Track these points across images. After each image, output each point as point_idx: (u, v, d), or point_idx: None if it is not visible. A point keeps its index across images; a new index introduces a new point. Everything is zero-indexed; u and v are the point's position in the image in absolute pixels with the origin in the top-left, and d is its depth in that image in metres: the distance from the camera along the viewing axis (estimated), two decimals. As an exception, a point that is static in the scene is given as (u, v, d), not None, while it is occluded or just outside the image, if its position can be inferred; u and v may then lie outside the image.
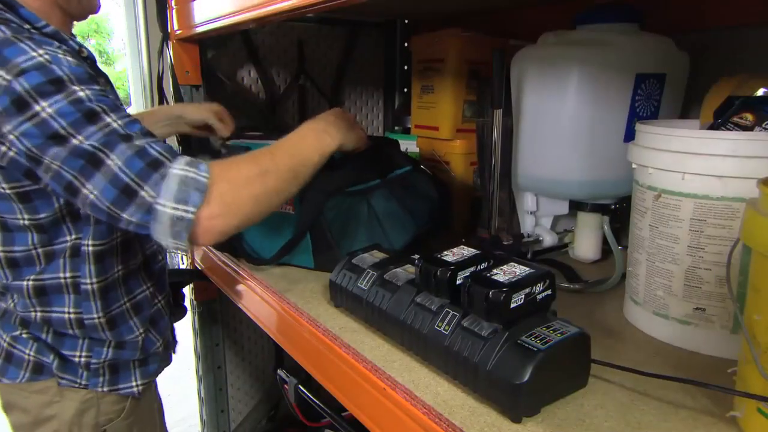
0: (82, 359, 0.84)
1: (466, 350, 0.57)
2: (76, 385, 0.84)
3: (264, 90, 1.40)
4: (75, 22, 0.85)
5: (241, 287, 1.01)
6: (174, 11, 1.20)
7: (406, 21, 1.50)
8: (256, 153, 0.73)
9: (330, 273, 0.81)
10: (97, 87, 0.67)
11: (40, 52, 0.65)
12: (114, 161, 0.63)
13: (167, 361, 0.97)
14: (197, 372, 1.53)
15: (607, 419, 0.54)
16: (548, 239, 0.99)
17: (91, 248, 0.79)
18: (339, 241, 0.90)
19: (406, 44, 1.49)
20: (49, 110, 0.62)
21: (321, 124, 0.81)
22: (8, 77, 0.62)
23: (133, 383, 0.89)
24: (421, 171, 0.97)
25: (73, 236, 0.78)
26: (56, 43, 0.69)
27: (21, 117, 0.62)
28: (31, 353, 0.83)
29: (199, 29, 1.10)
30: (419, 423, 0.55)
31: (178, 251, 0.69)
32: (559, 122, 0.87)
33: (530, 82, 0.90)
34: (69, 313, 0.81)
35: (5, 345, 0.83)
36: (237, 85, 1.37)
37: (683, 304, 0.66)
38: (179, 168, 0.64)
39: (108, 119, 0.64)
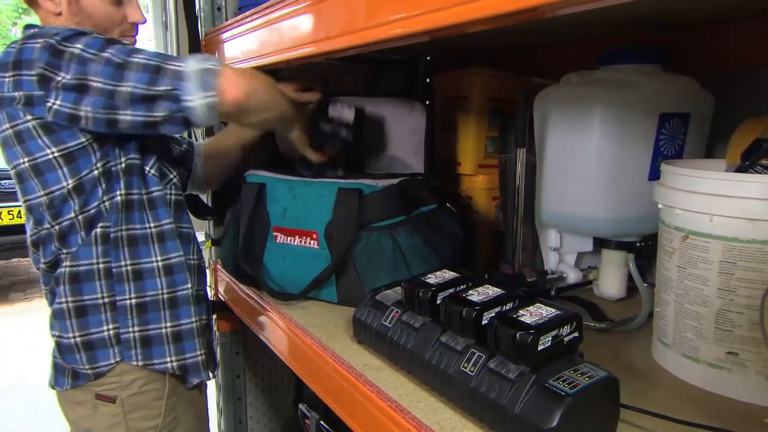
0: (111, 332, 0.91)
1: (492, 393, 0.56)
2: (112, 364, 0.90)
3: (289, 125, 1.43)
4: None
5: (264, 320, 1.02)
6: (205, 52, 1.25)
7: (428, 58, 1.53)
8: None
9: (353, 308, 0.81)
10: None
11: None
12: None
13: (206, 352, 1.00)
14: (217, 404, 1.53)
15: (638, 468, 0.52)
16: (572, 276, 0.98)
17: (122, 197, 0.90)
18: (363, 276, 0.91)
19: (428, 80, 1.52)
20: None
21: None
22: None
23: (167, 359, 0.93)
24: (446, 209, 0.98)
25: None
26: None
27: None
28: (58, 357, 0.93)
29: (229, 68, 1.15)
30: (445, 467, 0.54)
31: (212, 112, 0.83)
32: (583, 160, 0.87)
33: (554, 120, 0.91)
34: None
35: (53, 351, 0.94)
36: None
37: (714, 347, 0.65)
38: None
39: None
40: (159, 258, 0.93)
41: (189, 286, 0.96)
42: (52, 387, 0.95)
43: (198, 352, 0.97)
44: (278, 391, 1.60)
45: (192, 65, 0.81)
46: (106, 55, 0.80)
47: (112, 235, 0.89)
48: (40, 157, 0.84)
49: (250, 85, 0.84)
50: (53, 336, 0.93)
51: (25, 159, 0.84)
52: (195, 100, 0.80)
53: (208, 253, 1.37)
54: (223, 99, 0.81)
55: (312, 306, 0.96)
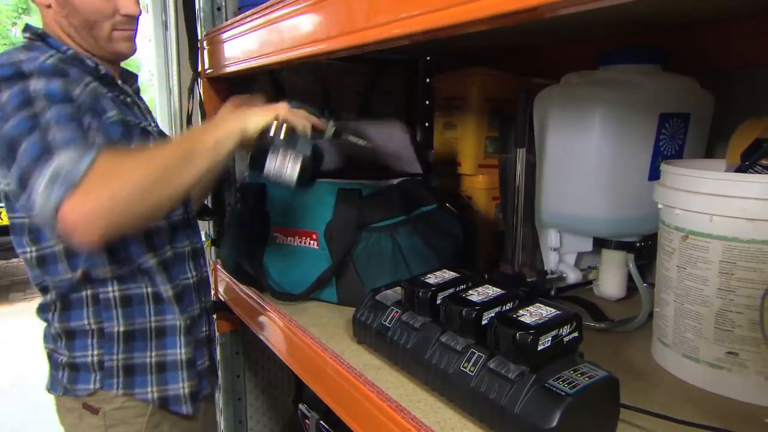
0: (95, 358, 0.87)
1: (492, 393, 0.56)
2: (91, 390, 0.87)
3: (289, 125, 1.44)
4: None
5: (264, 320, 1.02)
6: (205, 52, 1.25)
7: (428, 58, 1.53)
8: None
9: (353, 308, 0.81)
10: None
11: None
12: None
13: (194, 381, 0.95)
14: (217, 404, 1.53)
15: (638, 468, 0.52)
16: (572, 276, 0.98)
17: None
18: (363, 277, 0.91)
19: (428, 80, 1.52)
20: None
21: (217, 119, 0.88)
22: None
23: (149, 389, 0.90)
24: (446, 209, 0.98)
25: None
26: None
27: None
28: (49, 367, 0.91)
29: (229, 69, 1.15)
30: (445, 467, 0.54)
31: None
32: (583, 160, 0.87)
33: (554, 120, 0.91)
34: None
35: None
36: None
37: (714, 347, 0.65)
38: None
39: None
40: (148, 285, 0.89)
41: (176, 316, 0.92)
42: (48, 391, 0.93)
43: (180, 385, 0.93)
44: (278, 391, 1.60)
45: (41, 192, 0.65)
46: (11, 123, 0.70)
47: (98, 271, 0.85)
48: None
49: (117, 205, 0.66)
50: (46, 347, 0.91)
51: (3, 182, 0.81)
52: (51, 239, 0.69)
53: (208, 253, 1.38)
54: (76, 241, 0.66)
55: (312, 306, 0.96)
